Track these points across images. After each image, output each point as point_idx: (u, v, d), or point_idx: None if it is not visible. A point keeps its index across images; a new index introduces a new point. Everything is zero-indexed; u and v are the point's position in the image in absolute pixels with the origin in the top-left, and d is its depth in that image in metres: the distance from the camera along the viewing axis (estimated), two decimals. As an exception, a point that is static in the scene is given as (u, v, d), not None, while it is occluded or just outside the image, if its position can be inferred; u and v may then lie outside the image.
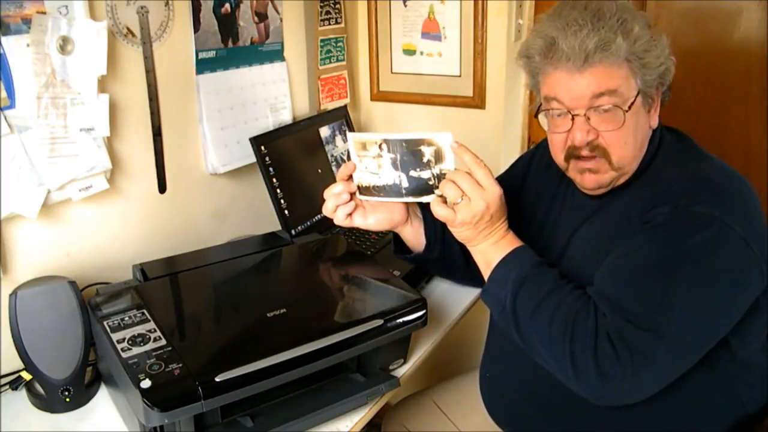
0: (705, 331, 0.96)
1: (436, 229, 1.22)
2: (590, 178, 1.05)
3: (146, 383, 0.88)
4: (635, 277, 0.96)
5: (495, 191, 1.02)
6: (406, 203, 1.17)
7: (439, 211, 1.03)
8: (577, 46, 0.97)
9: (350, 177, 1.12)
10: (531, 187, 1.26)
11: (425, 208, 1.21)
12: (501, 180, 1.35)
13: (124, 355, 0.94)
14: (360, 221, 1.15)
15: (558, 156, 1.08)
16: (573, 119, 1.02)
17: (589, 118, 1.01)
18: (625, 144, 1.02)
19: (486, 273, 1.08)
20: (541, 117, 1.08)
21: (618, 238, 1.01)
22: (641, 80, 1.00)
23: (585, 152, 1.03)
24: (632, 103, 1.00)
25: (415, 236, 1.23)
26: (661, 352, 0.92)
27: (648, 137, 1.06)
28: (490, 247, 1.06)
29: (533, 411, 1.15)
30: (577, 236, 1.10)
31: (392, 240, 1.28)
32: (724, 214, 0.94)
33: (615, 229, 1.03)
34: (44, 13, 1.09)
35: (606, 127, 1.01)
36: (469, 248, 1.09)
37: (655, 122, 1.06)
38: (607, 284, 0.98)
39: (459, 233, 1.06)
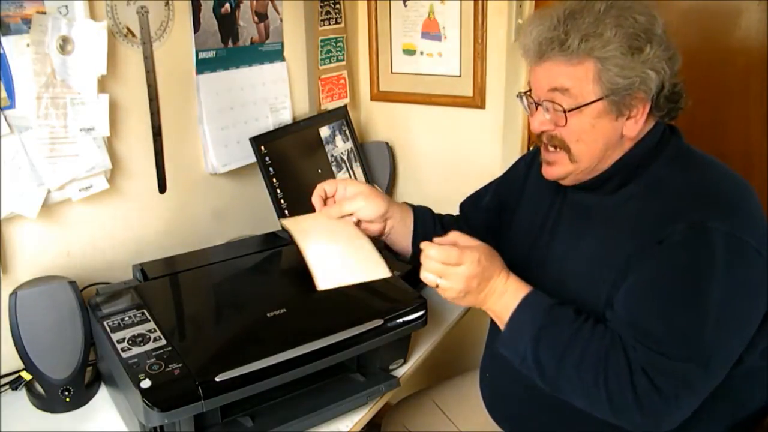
0: (735, 346, 0.97)
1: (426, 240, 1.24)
2: (546, 170, 1.10)
3: (146, 383, 0.88)
4: (663, 305, 0.95)
5: (470, 258, 1.01)
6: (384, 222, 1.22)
7: (439, 292, 1.04)
8: (534, 36, 1.01)
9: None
10: (532, 189, 1.26)
11: (418, 218, 1.26)
12: (501, 181, 1.37)
13: (124, 355, 0.94)
14: None
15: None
16: (537, 108, 1.06)
17: (547, 110, 1.04)
18: (577, 141, 1.03)
19: (501, 327, 1.05)
20: (524, 101, 1.10)
21: (631, 255, 0.99)
22: (606, 86, 0.99)
23: (544, 141, 1.07)
24: (584, 106, 1.00)
25: (396, 245, 1.26)
26: (701, 378, 0.93)
27: (618, 144, 1.04)
28: (498, 304, 1.04)
29: (534, 411, 1.15)
30: (583, 246, 1.09)
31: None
32: (737, 228, 0.94)
33: (620, 241, 1.01)
34: (44, 13, 1.09)
35: (557, 122, 1.03)
36: (484, 310, 1.07)
37: (631, 132, 1.03)
38: (635, 314, 0.96)
39: (461, 303, 1.06)
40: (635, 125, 1.03)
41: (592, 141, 1.03)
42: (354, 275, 1.09)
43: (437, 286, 1.03)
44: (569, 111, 1.01)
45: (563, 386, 0.99)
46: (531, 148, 1.36)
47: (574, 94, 1.00)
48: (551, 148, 1.07)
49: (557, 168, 1.08)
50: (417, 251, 1.23)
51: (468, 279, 1.02)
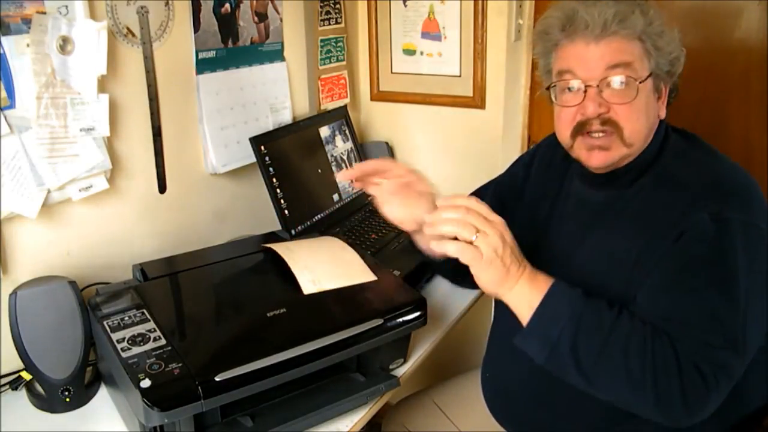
0: (759, 332, 0.97)
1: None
2: (599, 156, 1.04)
3: (146, 383, 0.88)
4: (698, 296, 0.94)
5: (500, 220, 0.98)
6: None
7: (465, 253, 0.94)
8: (596, 14, 0.99)
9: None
10: (533, 188, 1.26)
11: None
12: (501, 181, 1.37)
13: (124, 354, 0.94)
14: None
15: (564, 133, 1.06)
16: (585, 91, 1.02)
17: (601, 91, 1.01)
18: (637, 119, 1.02)
19: (526, 316, 0.98)
20: (552, 92, 1.07)
21: (645, 247, 0.99)
22: (654, 63, 1.02)
23: (596, 126, 1.02)
24: (644, 80, 1.01)
25: (421, 244, 1.22)
26: (738, 364, 0.93)
27: (656, 125, 1.07)
28: (526, 288, 0.98)
29: (536, 410, 1.15)
30: (590, 243, 1.08)
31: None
32: (752, 216, 0.96)
33: (635, 235, 1.01)
34: (44, 13, 1.09)
35: (618, 100, 1.01)
36: (504, 299, 1.00)
37: (663, 113, 1.07)
38: (670, 308, 0.95)
39: (488, 276, 0.96)
40: (663, 106, 1.07)
41: (645, 120, 1.03)
42: (339, 280, 1.13)
43: (471, 243, 0.95)
44: (641, 82, 1.00)
45: (601, 375, 0.94)
46: (530, 148, 1.36)
47: (635, 68, 1.01)
48: (601, 133, 1.02)
49: (612, 153, 1.03)
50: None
51: (501, 236, 0.95)
